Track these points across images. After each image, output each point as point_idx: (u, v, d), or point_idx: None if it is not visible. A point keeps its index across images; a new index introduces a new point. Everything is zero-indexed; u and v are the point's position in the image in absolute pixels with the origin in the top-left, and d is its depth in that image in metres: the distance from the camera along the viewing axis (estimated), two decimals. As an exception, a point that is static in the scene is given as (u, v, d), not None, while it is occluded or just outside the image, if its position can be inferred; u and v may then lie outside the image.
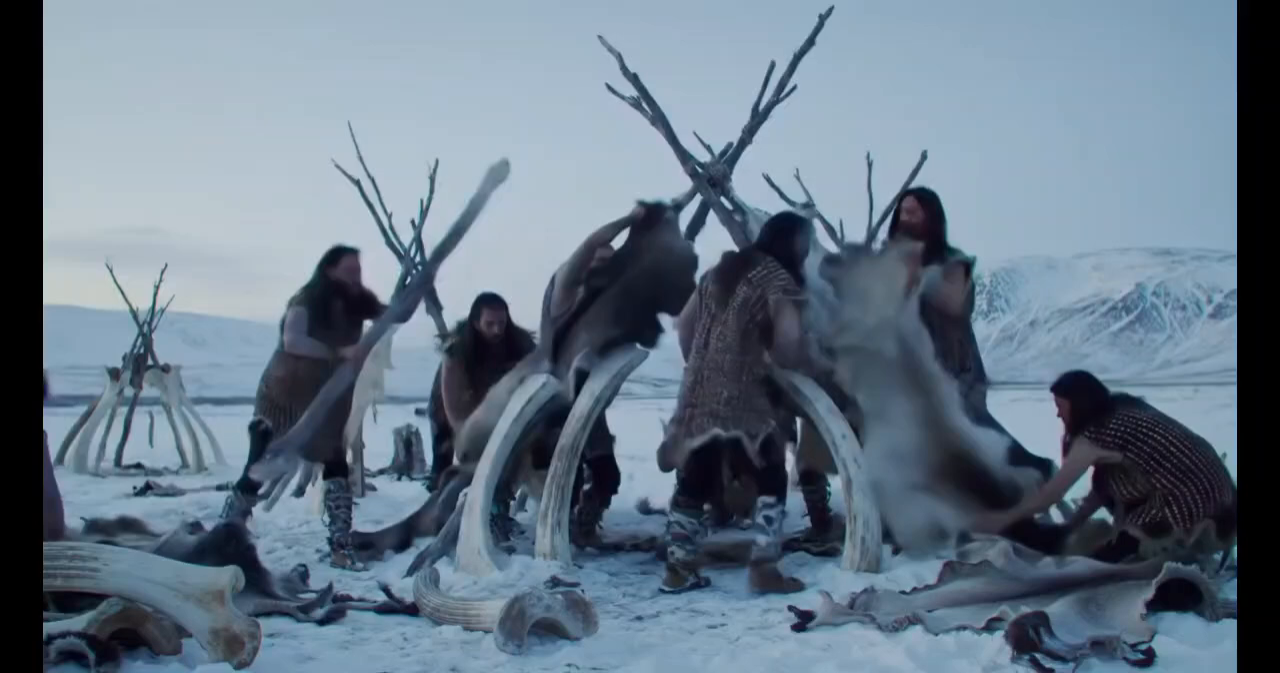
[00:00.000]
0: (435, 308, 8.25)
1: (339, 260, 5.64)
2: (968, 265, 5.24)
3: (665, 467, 4.77)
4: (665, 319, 5.40)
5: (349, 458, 8.22)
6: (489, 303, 5.85)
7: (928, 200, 5.33)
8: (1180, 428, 4.50)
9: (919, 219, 5.24)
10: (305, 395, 5.37)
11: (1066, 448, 4.64)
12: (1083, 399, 4.66)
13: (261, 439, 5.49)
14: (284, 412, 5.46)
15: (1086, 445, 4.47)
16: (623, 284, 5.43)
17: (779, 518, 4.53)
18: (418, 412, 17.70)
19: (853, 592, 3.94)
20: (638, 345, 5.31)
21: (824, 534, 5.51)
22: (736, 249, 5.06)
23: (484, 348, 5.81)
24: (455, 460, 5.69)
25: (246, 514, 5.61)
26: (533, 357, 5.42)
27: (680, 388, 4.76)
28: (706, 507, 5.00)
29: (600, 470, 5.74)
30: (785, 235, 4.84)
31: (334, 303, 5.59)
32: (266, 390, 5.58)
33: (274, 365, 5.62)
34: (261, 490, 5.81)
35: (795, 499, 7.27)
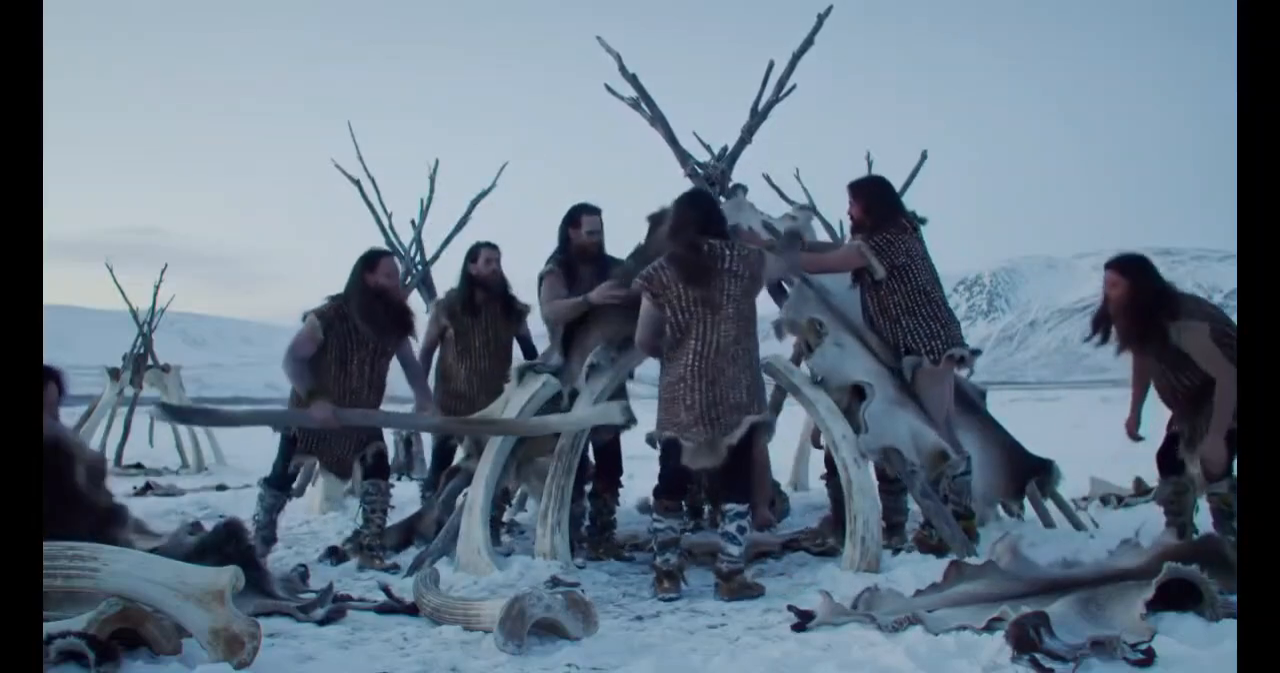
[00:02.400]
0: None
1: (377, 264, 5.36)
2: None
3: (695, 471, 4.62)
4: None
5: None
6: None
7: (857, 191, 5.38)
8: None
9: (854, 212, 5.33)
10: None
11: (1124, 324, 4.69)
12: (1146, 280, 4.70)
13: (289, 445, 5.39)
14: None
15: (1207, 334, 4.52)
16: (628, 280, 5.44)
17: (749, 526, 4.50)
18: None
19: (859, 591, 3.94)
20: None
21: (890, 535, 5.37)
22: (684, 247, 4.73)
23: (483, 291, 5.77)
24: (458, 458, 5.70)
25: (279, 509, 5.53)
26: (546, 352, 5.45)
27: (684, 391, 4.50)
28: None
29: (605, 459, 5.56)
30: (713, 211, 4.74)
31: (375, 309, 5.27)
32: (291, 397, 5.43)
33: None
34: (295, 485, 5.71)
35: (795, 498, 7.29)
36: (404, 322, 5.45)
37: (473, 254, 5.90)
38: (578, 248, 5.49)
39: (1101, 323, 4.84)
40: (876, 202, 5.28)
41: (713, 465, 4.53)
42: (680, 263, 4.53)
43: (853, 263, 5.18)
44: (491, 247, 5.93)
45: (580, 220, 5.53)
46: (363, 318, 5.25)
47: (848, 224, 8.78)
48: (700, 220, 4.63)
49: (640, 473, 7.21)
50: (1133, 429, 4.99)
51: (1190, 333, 4.57)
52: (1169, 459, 4.82)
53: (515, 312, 5.93)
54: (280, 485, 5.52)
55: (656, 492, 4.63)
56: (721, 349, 4.49)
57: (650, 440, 4.68)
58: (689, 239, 4.56)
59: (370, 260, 5.38)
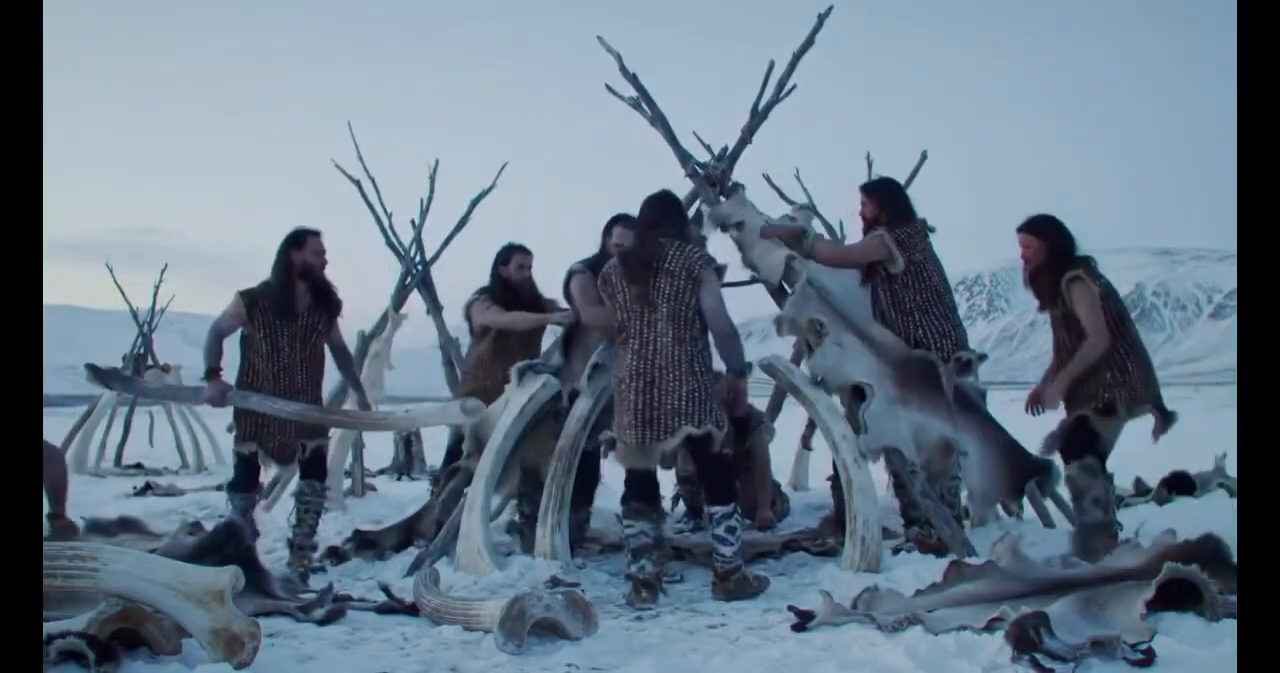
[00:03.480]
0: (435, 308, 8.25)
1: (305, 242, 5.31)
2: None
3: (631, 471, 4.54)
4: None
5: (348, 459, 8.26)
6: (519, 249, 5.73)
7: (871, 191, 5.46)
8: (1118, 297, 4.85)
9: (870, 212, 5.36)
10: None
11: (1038, 282, 4.81)
12: (1058, 238, 4.80)
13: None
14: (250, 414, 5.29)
15: (1088, 288, 4.63)
16: None
17: (739, 525, 4.45)
18: None
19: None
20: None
21: (908, 530, 5.35)
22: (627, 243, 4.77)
23: (513, 295, 5.70)
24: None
25: (251, 508, 5.46)
26: (547, 352, 5.44)
27: (624, 391, 4.46)
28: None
29: (583, 468, 5.45)
30: (670, 211, 4.68)
31: (297, 290, 5.27)
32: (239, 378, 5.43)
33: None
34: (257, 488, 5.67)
35: (795, 498, 7.29)
36: (328, 301, 5.40)
37: (505, 257, 5.80)
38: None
39: (1029, 285, 4.92)
40: (891, 200, 5.35)
41: (645, 468, 4.49)
42: (623, 259, 4.53)
43: (874, 254, 5.19)
44: (525, 251, 5.84)
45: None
46: (282, 294, 5.23)
47: (848, 224, 8.80)
48: (652, 217, 4.59)
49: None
50: (1033, 400, 4.83)
51: (1078, 285, 4.67)
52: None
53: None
54: (245, 488, 5.38)
55: (624, 496, 4.55)
56: (659, 349, 4.39)
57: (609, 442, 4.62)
58: (637, 235, 4.56)
59: (298, 238, 5.32)
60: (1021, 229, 4.90)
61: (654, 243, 4.47)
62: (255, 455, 5.29)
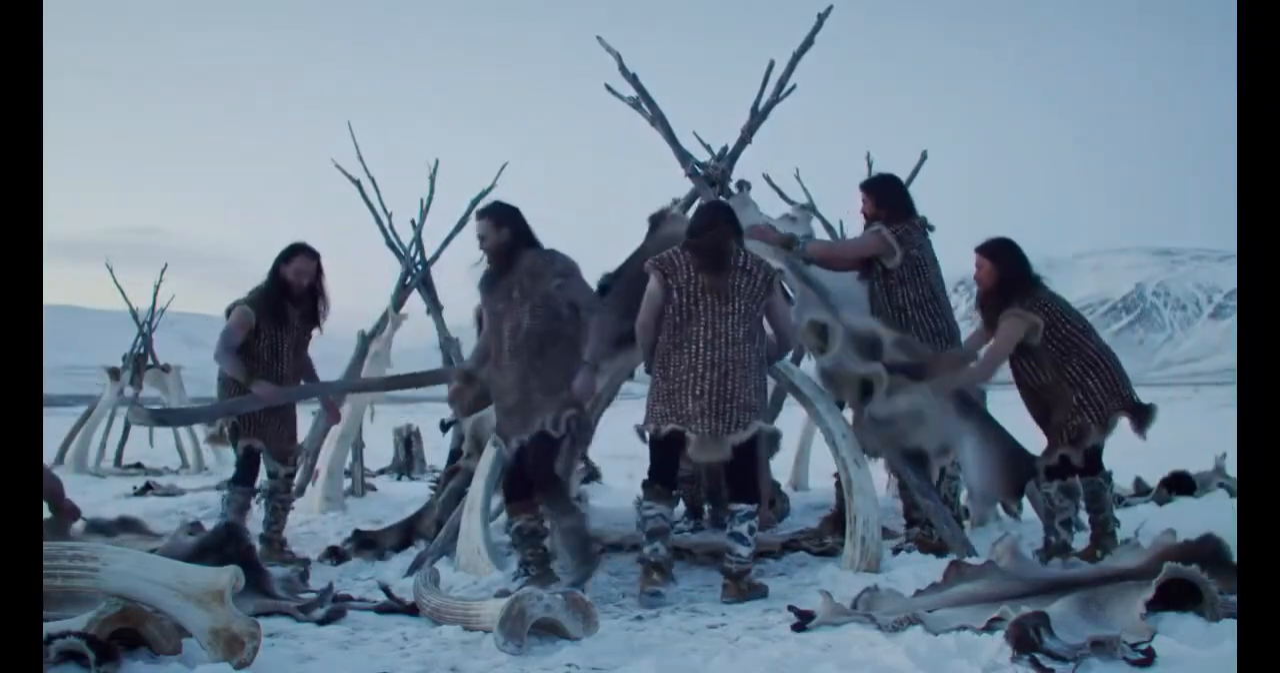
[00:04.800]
0: (435, 308, 8.26)
1: (291, 259, 5.58)
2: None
3: (698, 465, 4.70)
4: None
5: (348, 459, 8.27)
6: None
7: (871, 188, 5.47)
8: (1080, 317, 4.89)
9: (871, 210, 5.36)
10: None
11: (985, 306, 4.91)
12: (1010, 266, 4.86)
13: (234, 436, 5.60)
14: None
15: (1018, 321, 4.70)
16: (631, 277, 5.45)
17: (756, 525, 4.43)
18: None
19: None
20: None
21: (909, 530, 5.37)
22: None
23: (288, 297, 5.64)
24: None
25: (246, 509, 5.58)
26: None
27: (694, 380, 4.38)
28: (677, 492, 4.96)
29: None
30: (730, 216, 4.68)
31: (283, 303, 5.55)
32: (222, 389, 5.65)
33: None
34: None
35: (795, 498, 7.29)
36: (313, 315, 5.70)
37: (287, 256, 5.76)
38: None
39: (978, 307, 5.01)
40: (889, 196, 5.37)
41: (717, 460, 4.45)
42: (697, 249, 4.49)
43: (873, 247, 5.19)
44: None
45: (293, 259, 5.62)
46: (266, 304, 5.49)
47: (848, 224, 8.80)
48: (710, 220, 4.61)
49: (640, 473, 7.22)
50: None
51: (1009, 320, 4.75)
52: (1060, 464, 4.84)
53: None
54: (245, 481, 5.63)
55: (647, 480, 4.49)
56: (733, 342, 4.39)
57: (641, 433, 4.58)
58: (715, 232, 4.52)
59: (287, 255, 5.60)
60: (978, 250, 4.96)
61: (728, 240, 4.51)
62: (258, 451, 5.54)
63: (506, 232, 4.65)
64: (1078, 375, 4.73)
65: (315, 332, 5.78)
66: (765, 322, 4.56)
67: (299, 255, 5.60)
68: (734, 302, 4.43)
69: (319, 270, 5.68)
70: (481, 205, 5.08)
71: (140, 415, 5.54)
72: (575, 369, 4.50)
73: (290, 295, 5.58)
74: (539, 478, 4.48)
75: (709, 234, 4.51)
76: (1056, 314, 4.78)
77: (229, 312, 5.56)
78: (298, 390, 5.66)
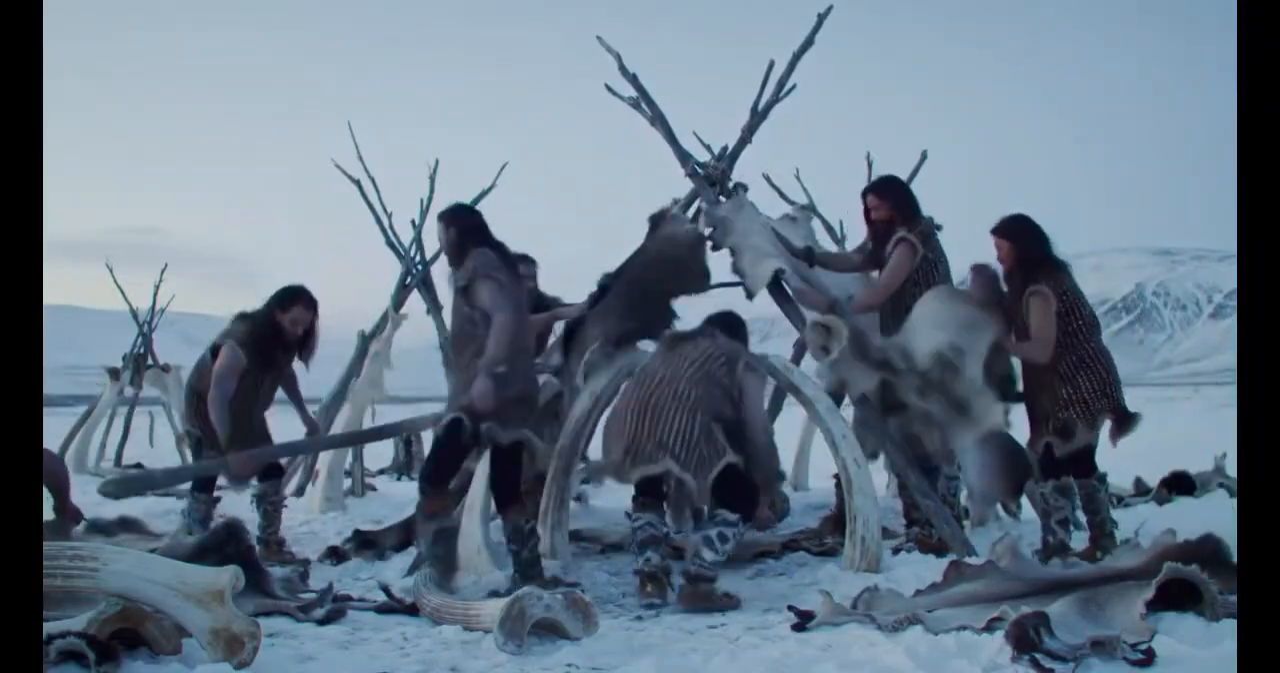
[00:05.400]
0: (435, 308, 8.26)
1: (290, 307, 5.45)
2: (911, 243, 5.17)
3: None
4: (674, 310, 5.42)
5: (348, 459, 8.27)
6: (523, 259, 5.62)
7: (883, 191, 5.38)
8: (1091, 315, 4.84)
9: (884, 214, 5.28)
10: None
11: (1009, 288, 4.85)
12: (1029, 243, 4.82)
13: (196, 447, 5.65)
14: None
15: (1046, 303, 4.66)
16: (631, 276, 5.46)
17: (734, 538, 4.19)
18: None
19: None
20: (638, 345, 5.33)
21: (909, 530, 5.37)
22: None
23: (280, 343, 5.54)
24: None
25: (208, 519, 5.53)
26: (547, 352, 5.45)
27: (616, 420, 4.48)
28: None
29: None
30: (731, 331, 4.67)
31: (275, 350, 5.48)
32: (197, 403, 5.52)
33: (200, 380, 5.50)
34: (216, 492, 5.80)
35: (795, 498, 7.29)
36: (301, 355, 5.64)
37: (286, 302, 5.63)
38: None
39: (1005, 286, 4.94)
40: (902, 198, 5.31)
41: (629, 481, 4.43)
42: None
43: (909, 264, 5.09)
44: (529, 261, 5.83)
45: (292, 307, 5.49)
46: (257, 349, 5.38)
47: (848, 224, 8.79)
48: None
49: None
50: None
51: (1035, 299, 4.70)
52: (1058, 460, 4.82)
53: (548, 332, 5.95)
54: (206, 489, 5.63)
55: (635, 493, 4.45)
56: (656, 385, 4.42)
57: None
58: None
59: (285, 301, 5.46)
60: (993, 232, 4.92)
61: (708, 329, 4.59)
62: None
63: (454, 231, 4.65)
64: (1069, 371, 4.71)
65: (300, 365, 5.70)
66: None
67: (298, 304, 5.46)
68: (682, 351, 4.47)
69: (315, 318, 5.57)
70: None
71: (112, 487, 5.17)
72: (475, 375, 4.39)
73: (283, 342, 5.48)
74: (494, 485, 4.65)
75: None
76: (1070, 306, 4.75)
77: (215, 348, 5.42)
78: (268, 451, 5.48)
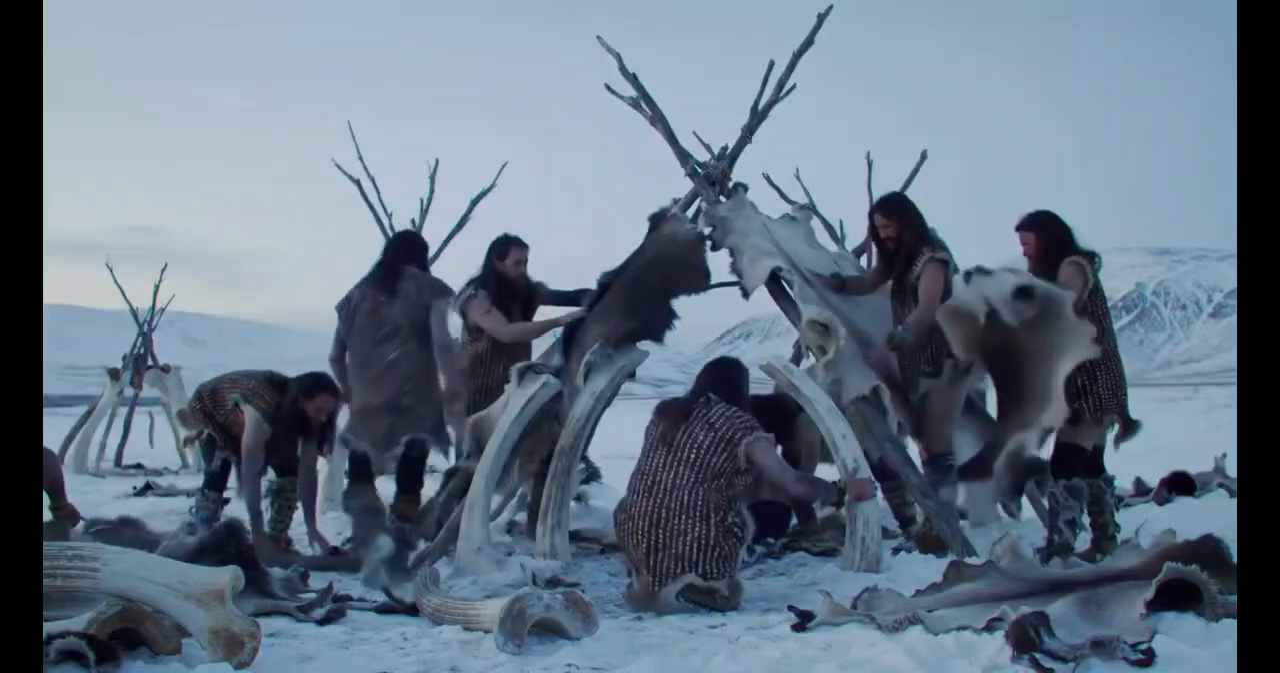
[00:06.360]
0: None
1: (315, 396, 5.48)
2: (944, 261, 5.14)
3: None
4: (675, 310, 5.40)
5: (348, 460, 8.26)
6: (516, 243, 5.69)
7: (892, 210, 5.33)
8: (1107, 314, 4.88)
9: (893, 232, 5.24)
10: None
11: (1038, 274, 4.78)
12: (1052, 232, 4.83)
13: (209, 447, 5.76)
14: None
15: (1077, 269, 4.67)
16: (631, 276, 5.46)
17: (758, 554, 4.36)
18: None
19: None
20: (638, 345, 5.33)
21: (906, 529, 5.39)
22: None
23: (508, 290, 5.66)
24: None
25: (216, 518, 5.54)
26: (547, 351, 5.45)
27: (632, 533, 4.19)
28: None
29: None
30: (727, 379, 4.52)
31: (296, 432, 5.56)
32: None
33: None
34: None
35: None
36: (320, 444, 5.74)
37: (502, 251, 5.72)
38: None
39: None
40: (914, 216, 5.26)
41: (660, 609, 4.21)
42: (667, 405, 4.43)
43: (941, 279, 5.04)
44: (522, 245, 5.77)
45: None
46: (284, 429, 5.49)
47: (848, 224, 8.78)
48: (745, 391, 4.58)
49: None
50: None
51: (1071, 267, 4.72)
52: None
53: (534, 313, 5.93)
54: (218, 487, 5.73)
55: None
56: (667, 491, 4.18)
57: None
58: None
59: (311, 389, 5.49)
60: (1019, 228, 4.93)
61: (702, 399, 4.32)
62: (233, 463, 5.63)
63: None
64: (1090, 363, 4.67)
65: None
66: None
67: (323, 393, 5.51)
68: (683, 449, 4.19)
69: (338, 405, 5.64)
70: None
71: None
72: None
73: (305, 428, 5.56)
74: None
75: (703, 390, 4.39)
76: (1097, 291, 4.78)
77: (234, 402, 5.48)
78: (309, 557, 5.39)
